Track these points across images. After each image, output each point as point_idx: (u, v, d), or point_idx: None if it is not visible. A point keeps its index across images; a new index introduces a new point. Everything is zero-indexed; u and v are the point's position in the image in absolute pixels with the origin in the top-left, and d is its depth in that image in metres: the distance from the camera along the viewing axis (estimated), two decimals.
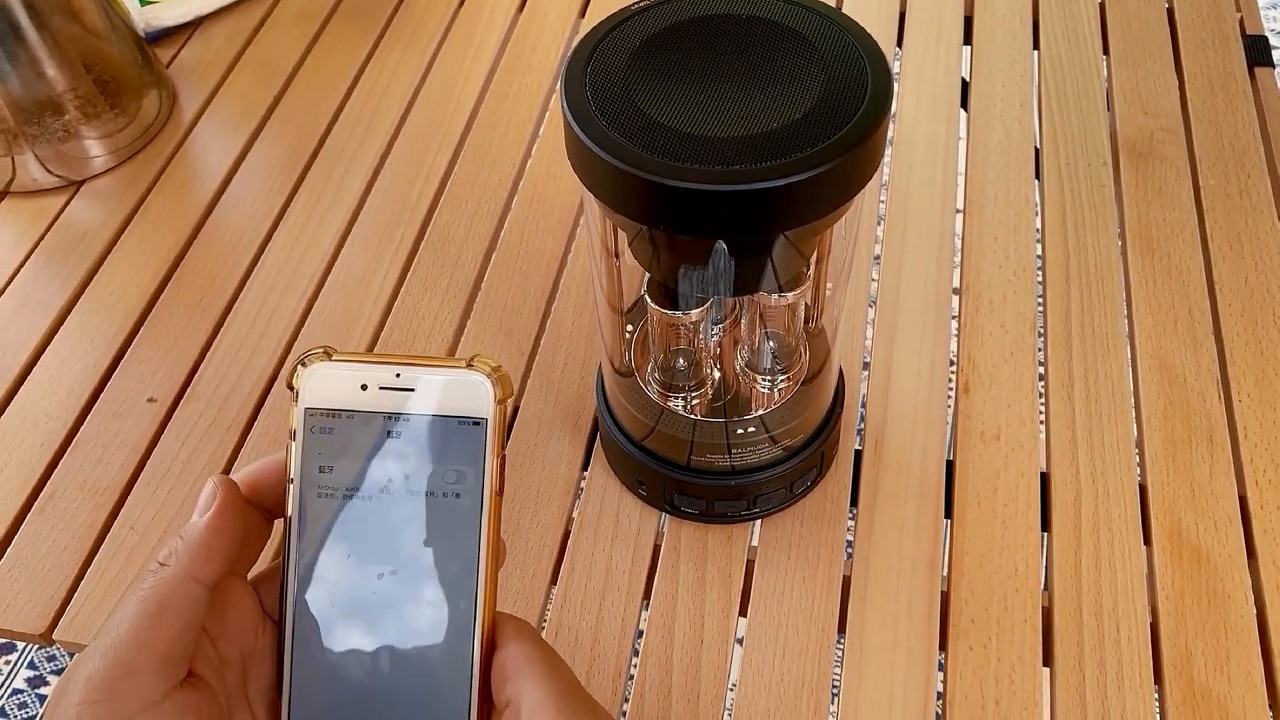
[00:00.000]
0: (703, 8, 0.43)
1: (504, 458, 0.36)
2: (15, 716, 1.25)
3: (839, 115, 0.39)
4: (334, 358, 0.36)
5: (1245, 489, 0.57)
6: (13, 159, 0.73)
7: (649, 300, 0.50)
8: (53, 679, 1.28)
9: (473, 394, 0.35)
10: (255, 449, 0.60)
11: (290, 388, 0.36)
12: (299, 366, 0.36)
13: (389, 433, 0.36)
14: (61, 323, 0.67)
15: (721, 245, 0.42)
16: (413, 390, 0.36)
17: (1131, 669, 0.51)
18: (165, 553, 0.34)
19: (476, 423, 0.35)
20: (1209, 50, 0.79)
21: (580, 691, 0.35)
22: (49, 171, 0.74)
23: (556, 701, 0.33)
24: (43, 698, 1.26)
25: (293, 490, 0.36)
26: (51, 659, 1.29)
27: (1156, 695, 0.50)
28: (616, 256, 0.49)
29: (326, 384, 0.36)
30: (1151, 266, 0.67)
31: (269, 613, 0.37)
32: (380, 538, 0.36)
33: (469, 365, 0.36)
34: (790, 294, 0.49)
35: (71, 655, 1.28)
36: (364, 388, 0.36)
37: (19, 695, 1.27)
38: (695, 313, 0.50)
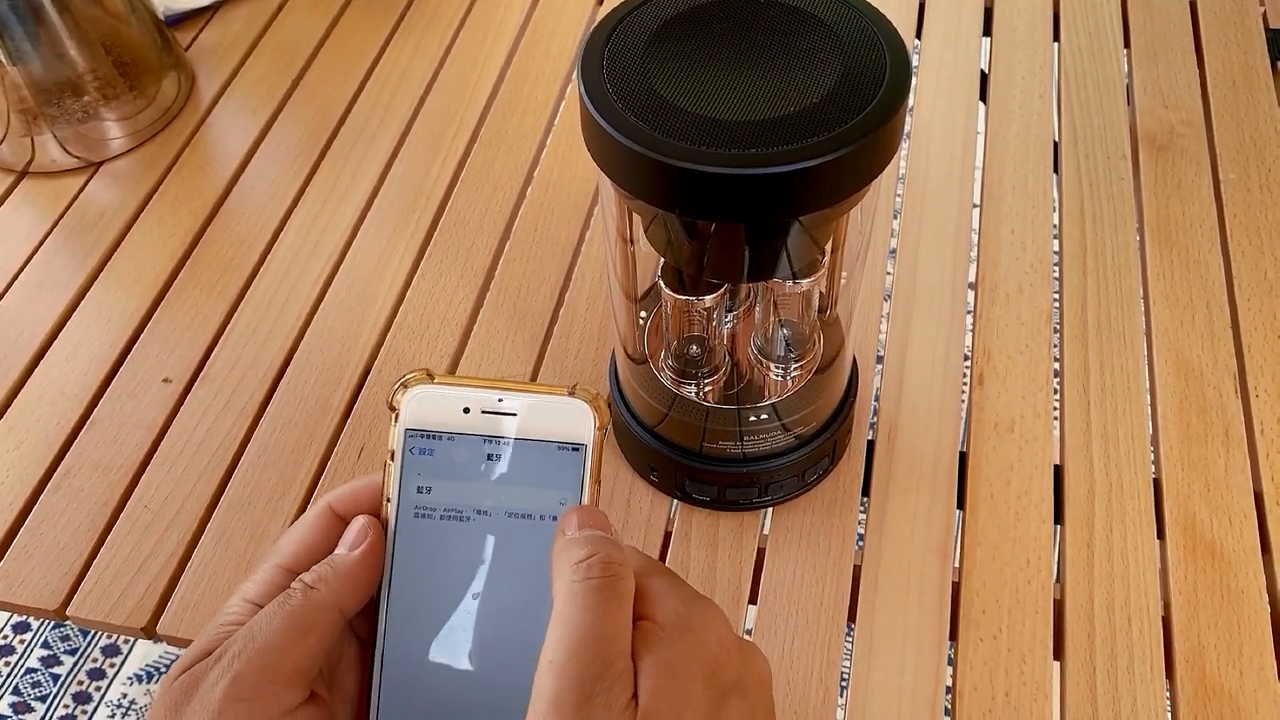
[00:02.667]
0: None
1: (600, 482, 0.37)
2: (28, 695, 1.26)
3: (857, 100, 0.38)
4: (436, 380, 0.36)
5: (1261, 484, 0.56)
6: (32, 139, 0.74)
7: (663, 286, 0.50)
8: (66, 659, 1.29)
9: (574, 420, 0.36)
10: (269, 429, 0.61)
11: (391, 408, 0.36)
12: (400, 388, 0.36)
13: (490, 455, 0.36)
14: (79, 303, 0.68)
15: (737, 230, 0.42)
16: (514, 415, 0.36)
17: (1143, 662, 0.51)
18: (314, 577, 0.35)
19: (576, 448, 0.36)
20: (1231, 44, 0.79)
21: (692, 588, 0.36)
22: (68, 152, 0.75)
23: (673, 589, 0.35)
24: (56, 677, 1.27)
25: (390, 509, 0.36)
26: (65, 639, 1.30)
27: (1168, 689, 0.50)
28: (631, 242, 0.49)
29: (427, 406, 0.36)
30: (1170, 260, 0.66)
31: (354, 629, 0.37)
32: (476, 558, 0.36)
33: (571, 392, 0.36)
34: (805, 281, 0.49)
35: (86, 632, 1.29)
36: (466, 410, 0.36)
37: (32, 674, 1.28)
38: (709, 299, 0.49)
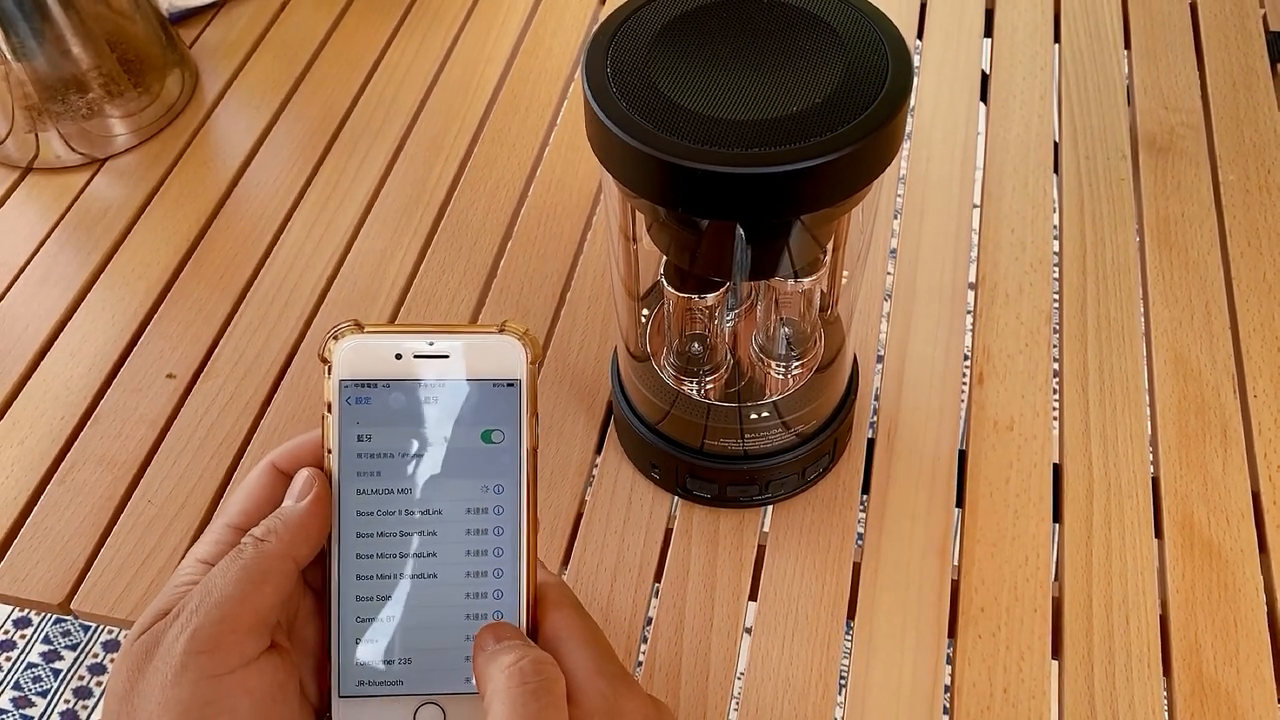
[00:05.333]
0: None
1: (537, 415, 0.37)
2: (29, 690, 1.26)
3: (858, 101, 0.39)
4: (366, 329, 0.37)
5: (1258, 484, 0.57)
6: (37, 136, 0.74)
7: (665, 284, 0.50)
8: (67, 654, 1.29)
9: (506, 357, 0.37)
10: (272, 425, 0.61)
11: (323, 360, 0.37)
12: (331, 340, 0.36)
13: (425, 398, 0.37)
14: (83, 298, 0.68)
15: (738, 228, 0.42)
16: (447, 357, 0.37)
17: (1140, 660, 0.51)
18: (264, 530, 0.36)
19: (511, 384, 0.37)
20: (1231, 46, 0.79)
21: (617, 659, 0.37)
22: (72, 149, 0.75)
23: (598, 667, 0.35)
24: (57, 672, 1.28)
25: (332, 460, 0.37)
26: (66, 634, 1.31)
27: (1165, 687, 0.51)
28: (634, 240, 0.49)
29: (360, 355, 0.37)
30: (1169, 261, 0.67)
31: (309, 581, 0.38)
32: (422, 499, 0.37)
33: (500, 330, 0.37)
34: (806, 280, 0.49)
35: (87, 627, 1.30)
36: (398, 357, 0.37)
37: (33, 669, 1.28)
38: (711, 297, 0.50)
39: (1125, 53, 0.80)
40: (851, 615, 0.53)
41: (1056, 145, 0.74)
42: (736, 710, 0.51)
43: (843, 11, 0.42)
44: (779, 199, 0.39)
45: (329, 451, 0.37)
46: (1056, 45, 0.81)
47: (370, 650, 0.37)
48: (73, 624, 1.32)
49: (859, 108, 0.39)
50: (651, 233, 0.46)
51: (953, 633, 0.52)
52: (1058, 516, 0.56)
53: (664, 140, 0.38)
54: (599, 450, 0.60)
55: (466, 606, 0.37)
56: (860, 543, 0.55)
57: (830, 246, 0.49)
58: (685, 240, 0.45)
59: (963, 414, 0.60)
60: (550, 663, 0.35)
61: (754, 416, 0.52)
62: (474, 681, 0.36)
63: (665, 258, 0.49)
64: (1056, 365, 0.62)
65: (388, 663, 0.37)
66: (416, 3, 0.86)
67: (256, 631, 0.34)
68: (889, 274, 0.67)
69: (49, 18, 0.70)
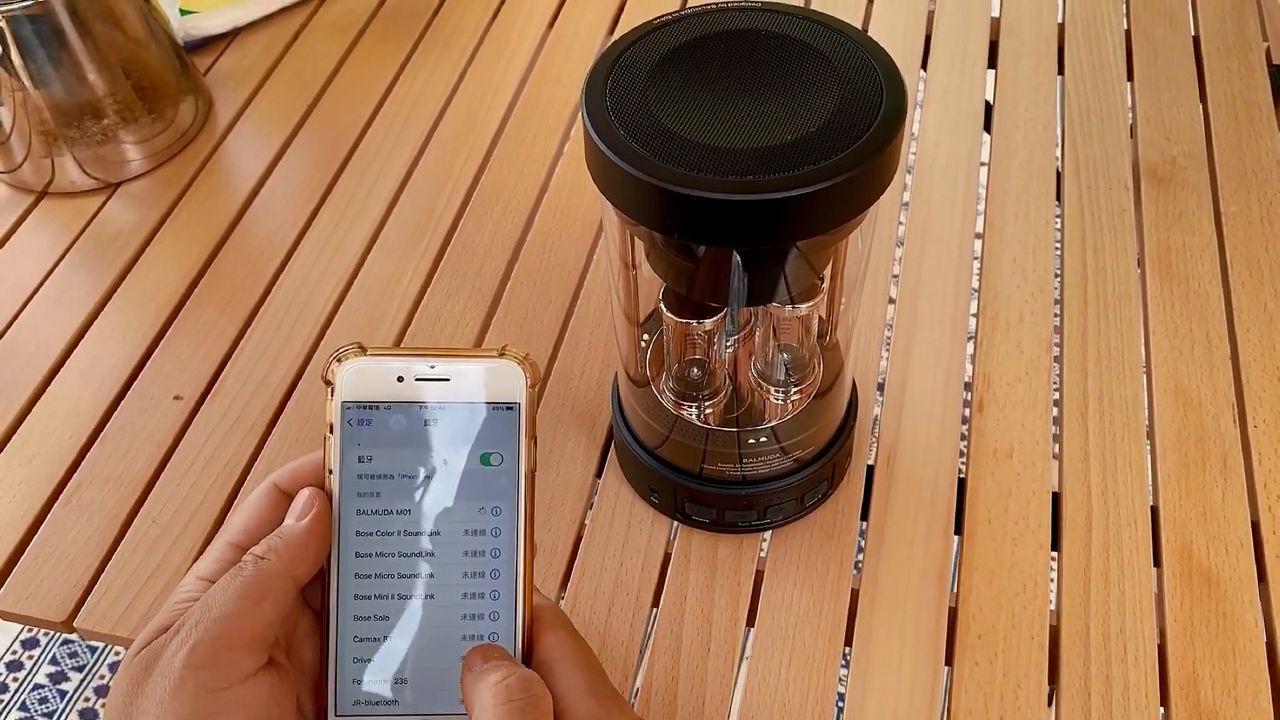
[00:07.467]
0: (723, 23, 0.44)
1: (535, 439, 0.38)
2: (35, 711, 1.27)
3: (853, 130, 0.39)
4: (369, 352, 0.37)
5: (1258, 514, 0.57)
6: (52, 160, 0.75)
7: (664, 309, 0.50)
8: (74, 675, 1.29)
9: (506, 381, 0.37)
10: (277, 448, 0.62)
11: (326, 382, 0.37)
12: (334, 362, 0.37)
13: (426, 421, 0.37)
14: (94, 320, 0.69)
15: (735, 255, 0.43)
16: (448, 380, 0.37)
17: (1138, 689, 0.51)
18: (264, 548, 0.36)
19: (510, 407, 0.38)
20: (1234, 78, 0.80)
21: (608, 681, 0.37)
22: (87, 174, 0.76)
23: (590, 688, 0.36)
24: (63, 693, 1.28)
25: (333, 481, 0.37)
26: (73, 655, 1.31)
27: (1162, 717, 0.50)
28: (633, 267, 0.50)
29: (362, 378, 0.37)
30: (1170, 291, 0.67)
31: (308, 600, 0.39)
32: (421, 520, 0.38)
33: (501, 354, 0.38)
34: (803, 306, 0.50)
35: (94, 648, 1.30)
36: (400, 379, 0.37)
37: (40, 690, 1.29)
38: (709, 322, 0.50)
39: (1128, 84, 0.80)
40: (849, 641, 0.53)
41: (1059, 175, 0.75)
42: None
43: (838, 42, 0.43)
44: (774, 226, 0.39)
45: (330, 472, 0.38)
46: (1060, 76, 0.82)
47: (367, 669, 0.38)
48: (80, 645, 1.32)
49: (853, 136, 0.39)
50: (650, 259, 0.46)
51: (950, 660, 0.52)
52: (1056, 545, 0.56)
53: (661, 168, 0.39)
54: (599, 474, 0.60)
55: (463, 627, 0.38)
56: (858, 569, 0.56)
57: (828, 273, 0.50)
58: (683, 266, 0.45)
59: (962, 441, 0.60)
60: (536, 680, 0.35)
61: (752, 442, 0.53)
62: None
63: (664, 284, 0.50)
64: (1057, 394, 0.62)
65: (384, 682, 0.38)
66: (428, 32, 0.88)
67: (254, 648, 0.35)
68: (890, 301, 0.67)
69: (66, 45, 0.71)
